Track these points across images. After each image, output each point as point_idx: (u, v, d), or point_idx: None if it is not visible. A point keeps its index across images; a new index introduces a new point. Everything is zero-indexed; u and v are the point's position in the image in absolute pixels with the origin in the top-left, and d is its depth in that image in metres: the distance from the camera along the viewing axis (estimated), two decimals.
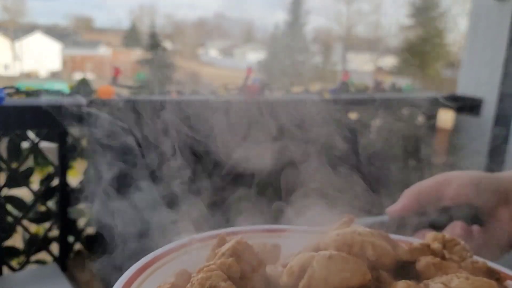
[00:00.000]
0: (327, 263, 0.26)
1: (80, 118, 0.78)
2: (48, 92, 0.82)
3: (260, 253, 0.30)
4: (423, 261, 0.33)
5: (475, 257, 0.34)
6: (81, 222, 0.88)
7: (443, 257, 0.34)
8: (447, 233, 0.37)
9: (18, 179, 0.79)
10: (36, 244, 0.83)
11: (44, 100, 0.79)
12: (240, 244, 0.29)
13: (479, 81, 1.38)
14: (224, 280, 0.26)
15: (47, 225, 0.85)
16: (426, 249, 0.35)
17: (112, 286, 0.29)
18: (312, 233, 0.32)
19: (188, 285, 0.26)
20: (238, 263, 0.28)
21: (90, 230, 0.88)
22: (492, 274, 0.33)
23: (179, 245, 0.33)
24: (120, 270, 0.31)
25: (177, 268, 0.30)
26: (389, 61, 18.28)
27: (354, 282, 0.27)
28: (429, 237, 0.37)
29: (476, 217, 0.43)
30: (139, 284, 0.30)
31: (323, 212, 0.34)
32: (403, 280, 0.29)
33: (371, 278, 0.28)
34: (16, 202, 0.81)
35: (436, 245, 0.36)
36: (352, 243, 0.29)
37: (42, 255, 0.86)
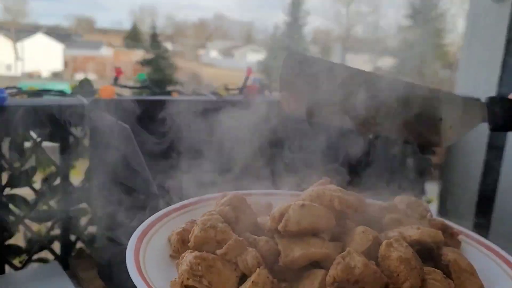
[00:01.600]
0: (300, 210, 0.33)
1: (82, 118, 0.79)
2: (50, 92, 0.83)
3: (254, 206, 0.38)
4: (387, 217, 0.41)
5: (435, 217, 0.42)
6: (83, 221, 0.89)
7: (405, 215, 0.42)
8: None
9: (21, 178, 0.80)
10: (38, 242, 0.84)
11: (46, 100, 0.80)
12: (236, 197, 0.38)
13: (477, 81, 1.39)
14: (221, 222, 0.35)
15: (49, 224, 0.86)
16: (393, 208, 0.43)
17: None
18: (297, 195, 0.40)
19: (194, 226, 0.34)
20: (233, 211, 0.36)
21: (92, 229, 0.89)
22: (445, 229, 0.40)
23: (190, 203, 0.42)
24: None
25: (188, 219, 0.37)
26: (388, 62, 18.30)
27: (321, 226, 0.34)
28: (397, 198, 0.45)
29: None
30: (155, 231, 0.37)
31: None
32: (362, 225, 0.36)
33: (335, 224, 0.35)
34: (19, 201, 0.81)
35: (401, 205, 0.44)
36: (323, 196, 0.37)
37: (44, 254, 0.87)
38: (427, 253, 0.37)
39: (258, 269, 0.31)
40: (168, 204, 0.40)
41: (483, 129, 1.51)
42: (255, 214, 0.38)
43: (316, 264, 0.33)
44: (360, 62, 18.64)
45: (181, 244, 0.36)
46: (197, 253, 0.32)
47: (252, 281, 0.30)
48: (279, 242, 0.34)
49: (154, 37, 17.49)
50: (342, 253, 0.32)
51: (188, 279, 0.30)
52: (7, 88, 0.76)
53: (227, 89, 1.02)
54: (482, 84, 1.38)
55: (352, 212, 0.37)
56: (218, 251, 0.33)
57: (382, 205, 0.43)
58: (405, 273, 0.33)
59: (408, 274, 0.32)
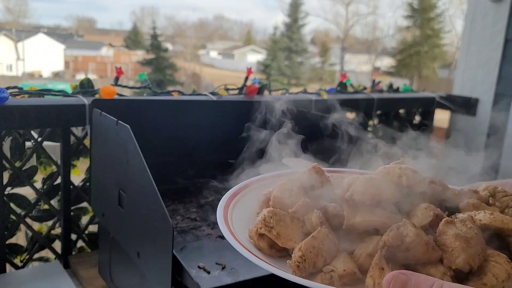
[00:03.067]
0: (366, 181, 0.37)
1: (82, 118, 0.79)
2: (51, 92, 0.83)
3: (333, 180, 0.42)
4: (465, 201, 0.40)
5: None
6: (84, 220, 0.90)
7: (487, 203, 0.41)
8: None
9: (22, 177, 0.80)
10: (39, 241, 0.84)
11: (47, 100, 0.81)
12: (315, 167, 0.43)
13: (475, 81, 1.39)
14: (297, 187, 0.40)
15: (50, 223, 0.86)
16: (473, 194, 0.42)
17: None
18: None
19: (274, 192, 0.39)
20: (311, 179, 0.41)
21: (93, 228, 0.90)
22: None
23: (283, 173, 0.46)
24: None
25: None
26: (386, 62, 18.28)
27: (384, 197, 0.36)
28: (482, 185, 0.44)
29: None
30: (249, 191, 0.43)
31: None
32: (426, 203, 0.37)
33: (400, 198, 0.36)
34: (20, 200, 0.82)
35: (484, 193, 0.43)
36: (393, 172, 0.39)
37: (45, 253, 0.87)
38: (503, 241, 0.37)
39: (320, 227, 0.35)
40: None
41: (482, 129, 1.51)
42: (332, 185, 0.42)
43: (376, 231, 0.36)
44: (359, 62, 18.62)
45: (266, 203, 0.41)
46: (271, 208, 0.38)
47: (312, 236, 0.35)
48: (345, 208, 0.37)
49: (154, 37, 17.48)
50: (398, 223, 0.34)
51: (261, 228, 0.36)
52: (8, 88, 0.77)
53: (227, 89, 1.03)
54: (480, 84, 1.38)
55: (420, 190, 0.38)
56: (290, 210, 0.38)
57: (463, 190, 0.42)
58: (459, 250, 0.33)
59: (463, 251, 0.33)
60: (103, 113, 0.68)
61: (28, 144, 0.82)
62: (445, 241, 0.34)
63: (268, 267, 0.33)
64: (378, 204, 0.36)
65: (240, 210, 0.41)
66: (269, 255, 0.36)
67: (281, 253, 0.36)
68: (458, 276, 0.33)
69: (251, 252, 0.34)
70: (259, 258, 0.34)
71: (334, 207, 0.38)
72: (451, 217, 0.37)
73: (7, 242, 0.81)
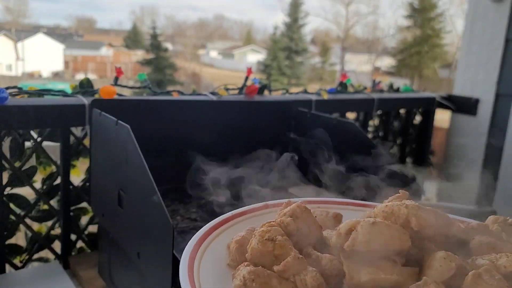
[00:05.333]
0: (370, 228, 0.29)
1: (82, 118, 0.79)
2: (51, 92, 0.83)
3: (321, 218, 0.35)
4: (477, 240, 0.34)
5: None
6: (83, 220, 0.89)
7: (500, 239, 0.34)
8: None
9: (21, 178, 0.80)
10: (38, 242, 0.84)
11: (46, 100, 0.80)
12: (299, 207, 0.34)
13: (476, 81, 1.39)
14: (281, 235, 0.31)
15: (49, 223, 0.86)
16: (483, 229, 0.35)
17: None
18: (370, 206, 0.36)
19: (252, 237, 0.32)
20: (295, 223, 0.33)
21: (92, 228, 0.89)
22: None
23: (252, 209, 0.38)
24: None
25: (249, 226, 0.34)
26: (387, 62, 18.29)
27: (394, 247, 0.29)
28: (490, 218, 0.37)
29: None
30: (215, 236, 0.35)
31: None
32: (443, 250, 0.30)
33: (411, 246, 0.30)
34: (19, 200, 0.82)
35: (495, 227, 0.36)
36: (398, 213, 0.32)
37: (45, 253, 0.87)
38: None
39: None
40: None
41: (483, 129, 1.51)
42: (320, 227, 0.34)
43: None
44: (359, 62, 18.62)
45: (239, 253, 0.33)
46: (252, 267, 0.30)
47: None
48: (344, 262, 0.30)
49: (154, 37, 17.48)
50: (418, 283, 0.28)
51: None
52: (8, 88, 0.76)
53: (227, 89, 1.03)
54: (481, 84, 1.38)
55: (432, 234, 0.32)
56: (275, 267, 0.30)
57: (471, 224, 0.36)
58: None
59: None
60: (103, 113, 0.68)
61: (28, 144, 0.82)
62: None
63: None
64: (386, 256, 0.29)
65: (207, 263, 0.32)
66: None
67: None
68: None
69: None
70: None
71: (330, 260, 0.30)
72: (470, 264, 0.31)
73: (7, 242, 0.81)
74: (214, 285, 0.30)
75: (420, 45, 15.54)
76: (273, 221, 0.33)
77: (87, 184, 0.87)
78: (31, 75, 17.70)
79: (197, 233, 0.35)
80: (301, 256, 0.30)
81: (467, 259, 0.32)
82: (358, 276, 0.29)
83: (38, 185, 0.84)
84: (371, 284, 0.29)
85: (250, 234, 0.33)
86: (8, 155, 0.79)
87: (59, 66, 19.80)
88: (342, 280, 0.30)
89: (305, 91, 1.18)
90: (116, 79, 0.88)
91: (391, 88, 1.38)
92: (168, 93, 0.97)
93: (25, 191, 0.82)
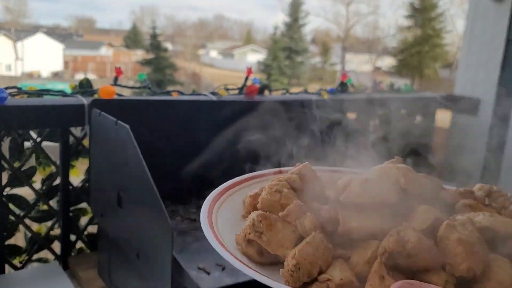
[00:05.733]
0: (362, 184, 0.35)
1: (81, 118, 0.79)
2: (50, 92, 0.83)
3: (324, 179, 0.41)
4: (461, 202, 0.39)
5: None
6: (83, 221, 0.89)
7: (483, 203, 0.39)
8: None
9: (21, 178, 0.80)
10: (38, 242, 0.84)
11: (46, 100, 0.80)
12: (305, 167, 0.40)
13: (477, 81, 1.39)
14: (287, 188, 0.38)
15: (49, 223, 0.86)
16: (468, 194, 0.40)
17: None
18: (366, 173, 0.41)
19: (263, 194, 0.38)
20: (301, 180, 0.39)
21: (92, 229, 0.89)
22: None
23: (266, 173, 0.44)
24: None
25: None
26: (387, 62, 18.31)
27: (381, 200, 0.35)
28: (477, 186, 0.42)
29: None
30: (233, 192, 0.41)
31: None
32: (426, 205, 0.35)
33: (398, 202, 0.35)
34: (19, 201, 0.81)
35: (479, 193, 0.41)
36: (390, 173, 0.37)
37: (44, 254, 0.87)
38: (502, 244, 0.35)
39: (314, 232, 0.33)
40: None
41: (483, 129, 1.51)
42: (323, 185, 0.40)
43: (373, 236, 0.34)
44: (360, 62, 18.64)
45: (253, 206, 0.38)
46: (260, 212, 0.35)
47: (306, 242, 0.32)
48: (339, 211, 0.35)
49: (154, 37, 17.48)
50: (398, 227, 0.32)
51: (249, 233, 0.34)
52: (7, 88, 0.76)
53: (227, 89, 1.02)
54: (482, 84, 1.38)
55: (418, 193, 0.36)
56: (280, 213, 0.35)
57: (458, 190, 0.41)
58: (463, 255, 0.31)
59: (467, 257, 0.31)
60: (103, 113, 0.67)
61: (27, 144, 0.82)
62: (447, 246, 0.32)
63: (259, 276, 0.30)
64: (375, 207, 0.35)
65: (225, 213, 0.38)
66: (258, 262, 0.33)
67: (271, 260, 0.34)
68: (461, 283, 0.32)
69: (241, 261, 0.32)
70: (249, 267, 0.32)
71: (327, 210, 0.35)
72: (450, 219, 0.35)
73: (6, 243, 0.81)
74: (230, 231, 0.35)
75: (420, 45, 15.55)
76: (282, 177, 0.39)
77: (87, 184, 0.86)
78: (30, 75, 17.70)
79: (214, 190, 0.40)
80: (301, 203, 0.36)
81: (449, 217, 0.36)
82: (349, 223, 0.34)
83: (37, 185, 0.84)
84: (359, 230, 0.34)
85: (262, 191, 0.39)
86: (7, 155, 0.78)
87: (58, 66, 19.80)
88: (337, 226, 0.34)
89: (306, 91, 1.17)
90: (116, 79, 0.87)
91: (391, 88, 1.38)
92: (168, 93, 0.97)
93: (25, 192, 0.82)
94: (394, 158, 0.41)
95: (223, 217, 0.37)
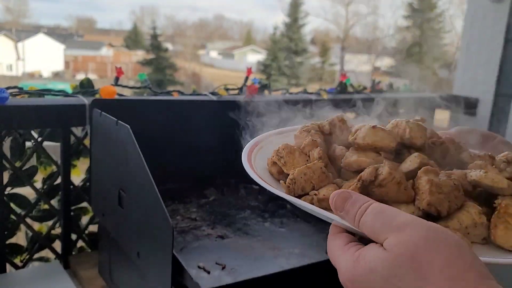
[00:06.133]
0: (369, 129, 0.42)
1: (82, 118, 0.79)
2: (51, 92, 0.83)
3: (352, 127, 0.47)
4: (474, 163, 0.43)
5: None
6: (84, 220, 0.90)
7: (491, 165, 0.42)
8: None
9: (22, 177, 0.80)
10: (39, 241, 0.84)
11: (47, 100, 0.81)
12: (338, 118, 0.48)
13: (475, 81, 1.39)
14: (316, 131, 0.46)
15: (50, 223, 0.86)
16: (487, 158, 0.44)
17: None
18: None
19: (296, 132, 0.47)
20: (330, 126, 0.47)
21: (93, 228, 0.90)
22: None
23: (307, 126, 0.49)
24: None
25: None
26: (386, 62, 18.29)
27: (381, 144, 0.42)
28: (503, 153, 0.45)
29: None
30: (267, 142, 0.49)
31: None
32: (418, 153, 0.41)
33: (395, 147, 0.42)
34: (20, 200, 0.82)
35: (500, 158, 0.45)
36: (400, 125, 0.43)
37: (45, 253, 0.87)
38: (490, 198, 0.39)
39: (317, 160, 0.41)
40: None
41: (483, 127, 1.50)
42: (348, 135, 0.45)
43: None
44: (359, 62, 18.62)
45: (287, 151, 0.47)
46: (285, 143, 0.44)
47: (307, 166, 0.41)
48: (348, 150, 0.43)
49: (154, 37, 17.48)
50: (378, 164, 0.38)
51: (273, 157, 0.43)
52: (8, 88, 0.77)
53: (227, 89, 1.03)
54: (480, 84, 1.38)
55: (419, 144, 0.42)
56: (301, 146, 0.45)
57: (481, 153, 0.44)
58: (427, 192, 0.36)
59: (431, 194, 0.36)
60: (103, 113, 0.68)
61: (28, 144, 0.82)
62: (419, 184, 0.37)
63: (264, 184, 0.39)
64: (375, 150, 0.42)
65: (262, 156, 0.47)
66: (277, 179, 0.42)
67: (286, 178, 0.42)
68: (426, 217, 0.36)
69: (256, 174, 0.41)
70: (260, 177, 0.40)
71: (341, 148, 0.44)
72: (446, 172, 0.40)
73: (7, 242, 0.81)
74: (264, 168, 0.44)
75: (419, 45, 15.54)
76: (315, 123, 0.47)
77: (88, 184, 0.87)
78: (31, 75, 17.71)
79: (254, 138, 0.49)
80: (316, 139, 0.44)
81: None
82: (350, 157, 0.42)
83: (38, 185, 0.84)
84: (355, 164, 0.41)
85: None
86: (8, 155, 0.79)
87: (59, 66, 19.81)
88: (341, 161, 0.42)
89: (305, 91, 1.18)
90: (117, 79, 0.88)
91: (390, 88, 1.38)
92: (168, 93, 0.97)
93: (26, 191, 0.82)
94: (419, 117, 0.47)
95: (258, 159, 0.46)
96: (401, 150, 0.43)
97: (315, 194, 0.39)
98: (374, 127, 0.42)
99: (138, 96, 0.97)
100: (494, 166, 0.42)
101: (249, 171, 0.41)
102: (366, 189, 0.37)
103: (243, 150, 0.45)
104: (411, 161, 0.40)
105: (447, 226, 0.36)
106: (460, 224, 0.36)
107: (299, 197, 0.39)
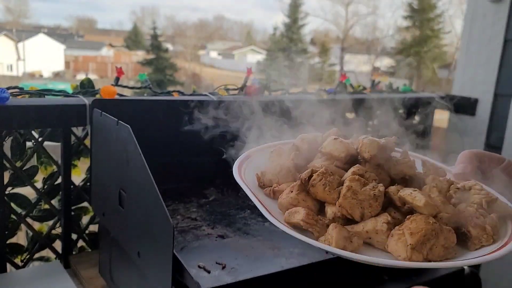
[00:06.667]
0: (331, 140, 0.50)
1: (83, 118, 0.80)
2: (52, 92, 0.84)
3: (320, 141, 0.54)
4: (430, 177, 0.48)
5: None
6: (84, 220, 0.90)
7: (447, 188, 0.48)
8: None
9: (22, 177, 0.81)
10: (39, 241, 0.85)
11: (47, 100, 0.81)
12: (303, 137, 0.55)
13: (475, 81, 1.39)
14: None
15: (50, 222, 0.86)
16: (445, 183, 0.48)
17: None
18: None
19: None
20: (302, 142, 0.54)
21: (93, 228, 0.90)
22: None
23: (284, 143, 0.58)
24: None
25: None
26: (386, 62, 18.30)
27: (335, 154, 0.50)
28: (468, 182, 0.50)
29: None
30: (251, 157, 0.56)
31: None
32: (358, 165, 0.48)
33: (344, 157, 0.49)
34: (20, 200, 0.82)
35: (459, 182, 0.50)
36: (358, 140, 0.50)
37: (45, 252, 0.87)
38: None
39: (288, 164, 0.50)
40: None
41: (481, 129, 1.50)
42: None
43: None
44: (358, 62, 18.60)
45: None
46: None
47: (280, 165, 0.51)
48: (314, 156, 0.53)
49: (154, 37, 17.49)
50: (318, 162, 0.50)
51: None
52: (9, 88, 0.77)
53: (227, 89, 1.03)
54: (480, 84, 1.38)
55: (368, 157, 0.49)
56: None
57: (443, 179, 0.49)
58: (342, 197, 0.44)
59: (345, 198, 0.43)
60: (104, 113, 0.68)
61: (29, 144, 0.82)
62: (342, 189, 0.44)
63: (259, 205, 0.45)
64: (332, 158, 0.50)
65: (251, 167, 0.54)
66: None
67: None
68: (347, 220, 0.44)
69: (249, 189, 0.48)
70: (254, 195, 0.47)
71: (317, 158, 0.52)
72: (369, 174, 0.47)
73: (8, 241, 0.81)
74: (253, 180, 0.51)
75: (419, 46, 15.55)
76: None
77: (88, 183, 0.87)
78: (32, 75, 17.71)
79: (244, 153, 0.55)
80: (298, 145, 0.54)
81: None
82: (315, 163, 0.50)
83: (39, 184, 0.84)
84: (311, 167, 0.48)
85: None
86: (9, 155, 0.79)
87: (60, 66, 19.82)
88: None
89: (305, 91, 1.18)
90: (117, 79, 0.88)
91: (390, 88, 1.38)
92: (169, 93, 0.97)
93: (26, 191, 0.82)
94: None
95: (248, 170, 0.53)
96: (357, 161, 0.49)
97: (275, 187, 0.47)
98: (335, 139, 0.49)
99: (138, 96, 0.97)
100: (449, 191, 0.46)
101: (237, 178, 0.48)
102: (305, 188, 0.45)
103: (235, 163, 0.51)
104: (350, 170, 0.46)
105: (353, 228, 0.42)
106: (362, 228, 0.42)
107: (263, 187, 0.49)
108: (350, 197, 0.42)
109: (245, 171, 0.51)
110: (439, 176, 0.49)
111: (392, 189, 0.44)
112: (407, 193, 0.43)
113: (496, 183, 0.49)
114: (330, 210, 0.44)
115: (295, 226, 0.43)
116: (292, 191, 0.45)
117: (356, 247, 0.40)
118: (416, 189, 0.44)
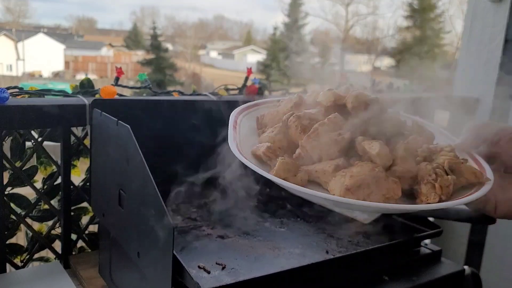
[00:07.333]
0: (325, 91, 0.52)
1: (82, 118, 0.79)
2: (51, 92, 0.83)
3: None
4: (424, 147, 0.49)
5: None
6: (84, 220, 0.90)
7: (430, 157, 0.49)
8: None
9: (22, 177, 0.81)
10: (39, 241, 0.85)
11: (47, 100, 0.81)
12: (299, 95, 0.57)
13: (475, 81, 1.39)
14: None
15: (50, 223, 0.86)
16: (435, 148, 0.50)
17: None
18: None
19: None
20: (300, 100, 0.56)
21: (93, 228, 0.90)
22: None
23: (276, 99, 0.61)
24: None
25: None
26: (387, 62, 18.30)
27: (324, 103, 0.51)
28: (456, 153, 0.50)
29: None
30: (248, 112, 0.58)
31: None
32: (336, 114, 0.49)
33: (329, 105, 0.51)
34: (20, 200, 0.82)
35: (447, 151, 0.50)
36: (346, 92, 0.52)
37: (45, 253, 0.87)
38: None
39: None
40: None
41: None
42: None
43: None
44: (359, 62, 18.60)
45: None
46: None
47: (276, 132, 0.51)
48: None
49: (154, 37, 17.48)
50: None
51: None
52: (8, 88, 0.77)
53: (227, 89, 1.03)
54: (480, 84, 1.38)
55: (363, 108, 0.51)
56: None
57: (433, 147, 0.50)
58: (306, 137, 0.46)
59: (308, 138, 0.46)
60: (104, 113, 0.68)
61: (28, 144, 0.82)
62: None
63: (248, 163, 0.45)
64: (321, 106, 0.51)
65: (246, 122, 0.54)
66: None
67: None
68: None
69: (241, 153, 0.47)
70: (245, 157, 0.46)
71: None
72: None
73: (7, 242, 0.81)
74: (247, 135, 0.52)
75: (419, 46, 15.57)
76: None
77: (88, 184, 0.87)
78: (31, 75, 17.71)
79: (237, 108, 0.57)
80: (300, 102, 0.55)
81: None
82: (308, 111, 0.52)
83: (38, 185, 0.84)
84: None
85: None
86: (8, 155, 0.79)
87: (59, 66, 19.82)
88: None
89: (305, 91, 1.18)
90: (117, 79, 0.88)
91: (390, 88, 1.38)
92: (169, 93, 0.97)
93: (26, 191, 0.82)
94: None
95: (243, 124, 0.54)
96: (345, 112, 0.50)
97: (269, 144, 0.47)
98: (329, 89, 0.51)
99: (138, 96, 0.97)
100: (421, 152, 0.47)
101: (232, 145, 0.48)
102: (286, 130, 0.48)
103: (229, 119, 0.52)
104: (354, 98, 0.49)
105: (308, 167, 0.45)
106: (314, 167, 0.44)
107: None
108: (313, 139, 0.45)
109: (246, 116, 0.53)
110: (422, 138, 0.50)
111: (359, 139, 0.46)
112: (367, 142, 0.44)
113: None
114: (297, 151, 0.47)
115: (259, 159, 0.46)
116: (273, 131, 0.48)
117: (299, 181, 0.42)
118: (381, 141, 0.45)
